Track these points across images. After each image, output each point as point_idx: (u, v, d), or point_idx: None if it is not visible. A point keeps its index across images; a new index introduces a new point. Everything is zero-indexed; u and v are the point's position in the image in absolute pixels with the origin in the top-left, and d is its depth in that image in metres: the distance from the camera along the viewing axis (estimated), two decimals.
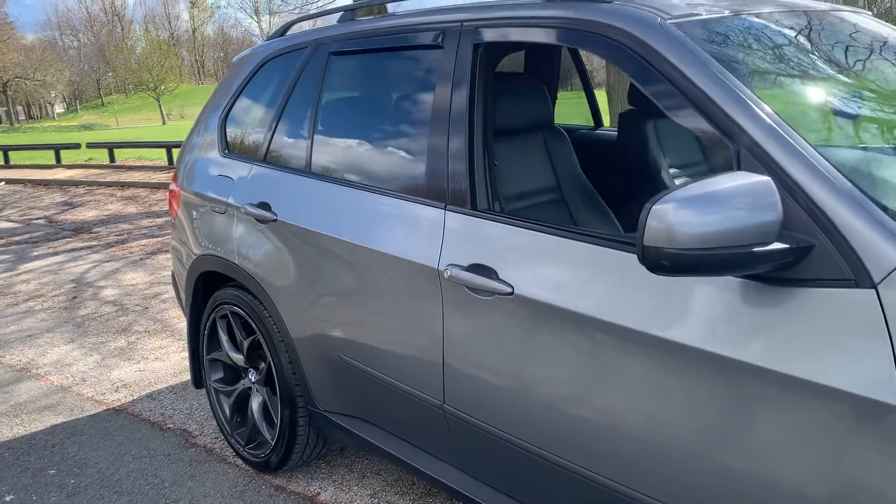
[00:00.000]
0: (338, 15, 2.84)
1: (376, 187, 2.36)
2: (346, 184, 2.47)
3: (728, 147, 1.57)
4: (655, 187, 2.82)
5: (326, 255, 2.46)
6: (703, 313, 1.51)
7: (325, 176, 2.56)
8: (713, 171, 3.10)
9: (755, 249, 1.35)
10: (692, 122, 1.62)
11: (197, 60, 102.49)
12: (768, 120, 1.51)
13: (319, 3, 13.72)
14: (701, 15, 1.86)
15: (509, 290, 1.86)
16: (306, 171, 2.64)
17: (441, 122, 2.16)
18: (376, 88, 2.53)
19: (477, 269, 1.95)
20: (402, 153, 2.33)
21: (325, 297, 2.49)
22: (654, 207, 1.36)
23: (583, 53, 3.54)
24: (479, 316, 1.96)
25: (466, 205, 2.05)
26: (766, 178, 1.39)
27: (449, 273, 2.01)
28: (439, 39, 2.23)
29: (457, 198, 2.08)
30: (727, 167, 2.94)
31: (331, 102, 2.66)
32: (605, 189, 2.69)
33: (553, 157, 2.59)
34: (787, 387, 1.37)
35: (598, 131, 3.46)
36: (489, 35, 2.10)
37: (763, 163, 1.49)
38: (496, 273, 1.91)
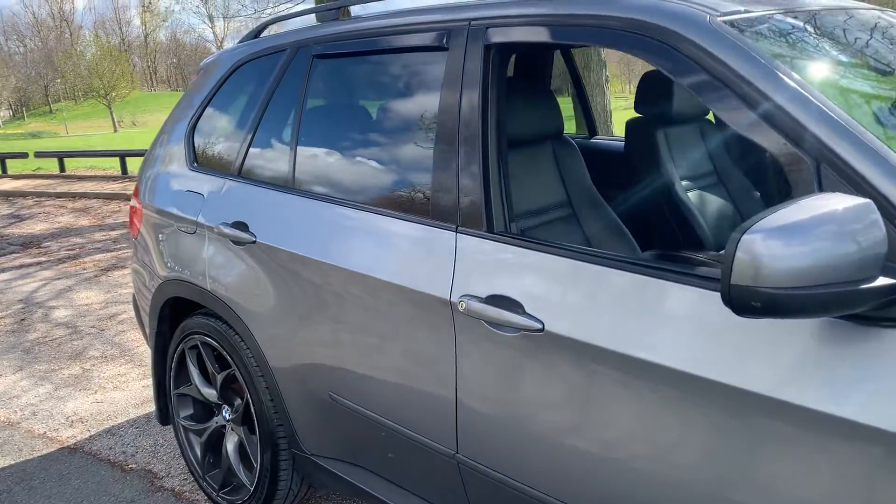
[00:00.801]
0: (319, 14, 2.57)
1: (373, 206, 2.10)
2: (336, 202, 2.20)
3: (801, 163, 1.35)
4: (670, 202, 2.62)
5: (314, 282, 2.19)
6: (792, 360, 1.28)
7: (312, 192, 2.29)
8: (727, 184, 2.94)
9: (862, 286, 1.13)
10: (761, 135, 1.41)
11: (149, 67, 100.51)
12: (854, 131, 1.30)
13: (279, 8, 13.34)
14: (753, 11, 1.64)
15: (538, 325, 1.62)
16: (289, 186, 2.37)
17: (448, 132, 1.91)
18: (369, 95, 2.27)
19: (498, 300, 1.71)
20: (402, 168, 2.07)
21: (313, 330, 2.22)
22: (743, 238, 1.14)
23: (575, 54, 3.33)
24: (500, 355, 1.71)
25: (481, 226, 1.81)
26: (866, 202, 1.17)
27: (465, 305, 1.76)
28: (443, 40, 1.98)
29: (470, 218, 1.83)
30: (766, 182, 2.75)
31: (316, 110, 2.39)
32: (613, 204, 2.47)
33: (562, 169, 2.36)
34: None
35: (595, 140, 3.25)
36: (502, 35, 1.86)
37: (850, 181, 1.27)
38: (522, 306, 1.66)
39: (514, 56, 3.06)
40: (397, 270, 1.96)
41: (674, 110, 2.64)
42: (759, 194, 2.81)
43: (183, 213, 2.70)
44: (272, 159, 2.47)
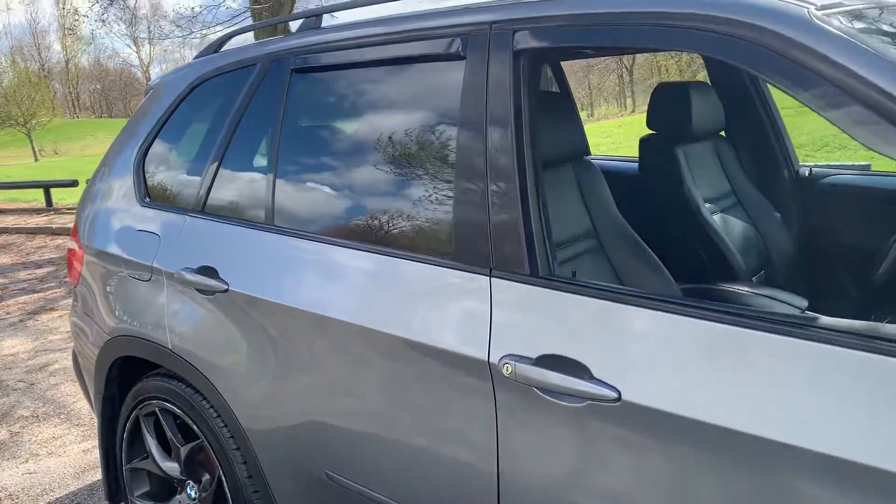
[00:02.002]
0: (296, 23, 2.21)
1: (377, 246, 1.75)
2: (329, 241, 1.84)
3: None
4: (696, 227, 2.35)
5: (304, 338, 1.82)
6: None
7: (298, 230, 1.93)
8: (745, 204, 2.70)
9: None
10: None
11: (71, 93, 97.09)
12: None
13: (214, 29, 12.83)
14: (854, 4, 1.38)
15: (613, 394, 1.30)
16: (267, 223, 2.00)
17: (473, 157, 1.59)
18: (363, 115, 1.92)
19: (554, 362, 1.38)
20: (413, 200, 1.73)
21: (304, 395, 1.85)
22: None
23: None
24: (561, 431, 1.38)
25: (522, 268, 1.48)
26: None
27: (511, 368, 1.43)
28: (459, 48, 1.66)
29: (507, 259, 1.51)
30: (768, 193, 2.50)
31: (298, 132, 2.03)
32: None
33: (586, 195, 2.06)
34: None
35: (597, 160, 2.97)
36: (536, 40, 1.55)
37: None
38: (587, 370, 1.34)
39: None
40: (415, 324, 1.61)
41: (693, 126, 2.39)
42: (779, 215, 2.58)
43: (134, 256, 2.29)
44: (245, 191, 2.09)
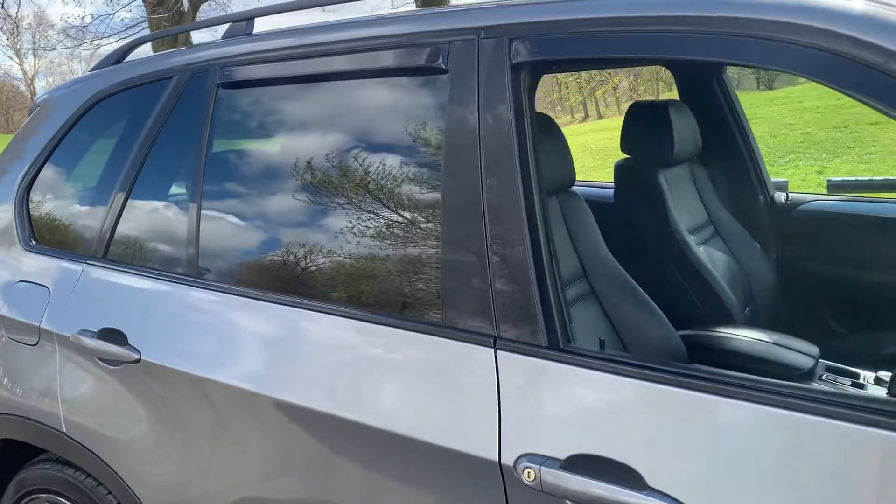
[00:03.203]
0: (213, 29, 1.83)
1: (338, 307, 1.39)
2: (273, 298, 1.47)
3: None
4: (684, 264, 2.10)
5: (243, 422, 1.44)
6: None
7: (229, 284, 1.54)
8: (724, 234, 2.49)
9: None
10: None
11: None
12: None
13: (106, 42, 11.97)
14: None
15: None
16: (190, 274, 1.60)
17: (465, 193, 1.27)
18: (315, 140, 1.56)
19: (593, 466, 1.07)
20: (387, 245, 1.39)
21: (245, 493, 1.46)
22: None
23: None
24: None
25: (538, 337, 1.17)
26: None
27: (533, 474, 1.10)
28: (439, 59, 1.34)
29: (517, 324, 1.19)
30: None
31: (228, 160, 1.64)
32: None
33: (573, 231, 1.76)
34: None
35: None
36: (542, 50, 1.25)
37: None
38: (641, 478, 1.03)
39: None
40: (394, 411, 1.26)
41: (675, 149, 2.14)
42: (758, 246, 2.37)
43: (16, 315, 1.84)
44: (161, 232, 1.68)
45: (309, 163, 1.51)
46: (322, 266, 1.45)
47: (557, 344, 1.16)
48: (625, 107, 2.62)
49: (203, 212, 1.61)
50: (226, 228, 1.60)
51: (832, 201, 2.44)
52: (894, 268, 2.25)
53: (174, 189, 1.70)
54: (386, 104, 1.47)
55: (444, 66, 1.34)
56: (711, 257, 2.17)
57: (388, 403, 1.28)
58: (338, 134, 1.51)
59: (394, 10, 1.50)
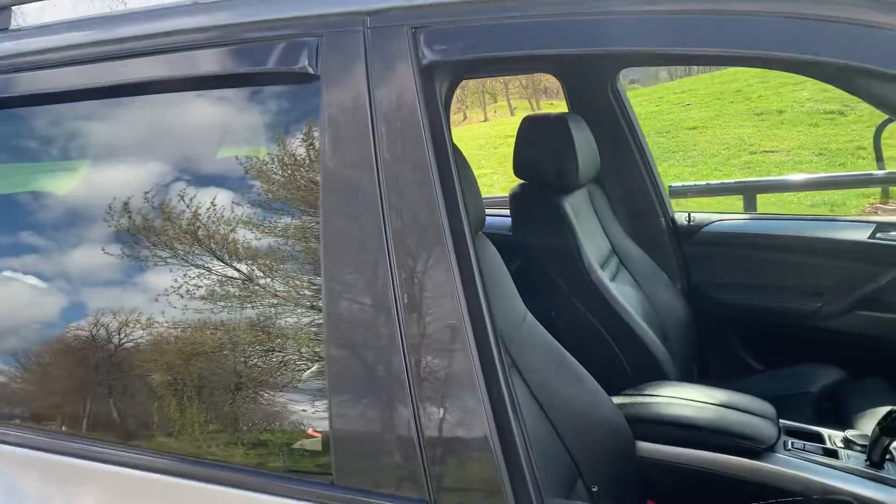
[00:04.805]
0: None
1: (160, 458, 0.90)
2: (64, 443, 0.94)
3: None
4: (602, 308, 1.75)
5: None
6: None
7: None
8: (628, 265, 2.18)
9: None
10: None
11: None
12: None
13: None
14: None
15: None
16: None
17: (354, 251, 0.83)
18: (120, 180, 1.04)
19: None
20: (232, 349, 0.91)
21: None
22: None
23: None
24: None
25: (504, 498, 0.75)
26: None
27: None
28: (303, 61, 0.89)
29: (463, 480, 0.76)
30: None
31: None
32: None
33: (488, 284, 1.35)
34: None
35: None
36: (468, 42, 0.83)
37: None
38: None
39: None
40: None
41: (579, 170, 1.80)
42: (665, 276, 2.09)
43: None
44: None
45: (106, 212, 1.00)
46: (130, 396, 0.95)
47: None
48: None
49: None
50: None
51: (736, 221, 2.22)
52: (807, 292, 2.05)
53: None
54: (228, 128, 0.99)
55: (311, 70, 0.89)
56: (625, 296, 1.85)
57: None
58: (152, 170, 1.01)
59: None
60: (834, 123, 8.93)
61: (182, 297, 0.98)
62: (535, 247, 1.82)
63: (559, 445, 1.32)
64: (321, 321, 0.87)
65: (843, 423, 1.71)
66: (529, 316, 1.39)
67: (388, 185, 0.84)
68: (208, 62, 0.96)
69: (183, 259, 1.00)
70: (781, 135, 9.05)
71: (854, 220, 2.19)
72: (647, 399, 1.50)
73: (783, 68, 1.02)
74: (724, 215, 2.22)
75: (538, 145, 1.81)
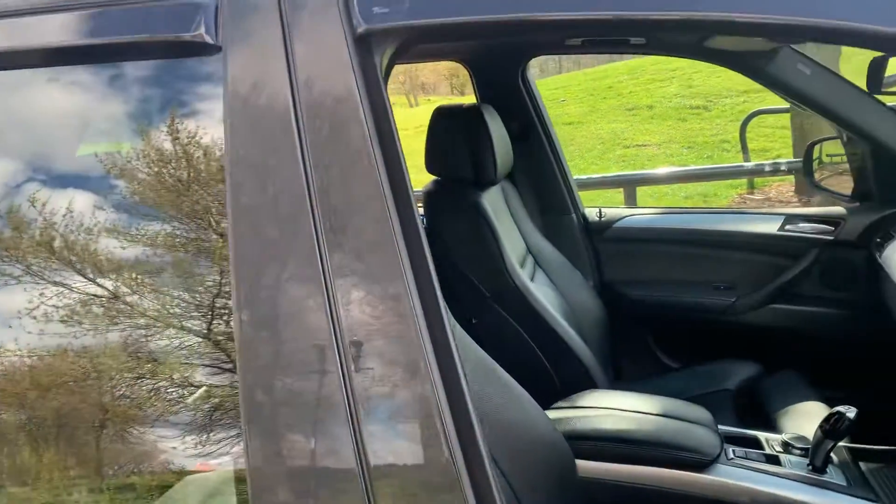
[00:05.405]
0: None
1: None
2: None
3: None
4: (523, 311, 1.62)
5: None
6: None
7: None
8: (544, 266, 2.06)
9: None
10: None
11: None
12: None
13: None
14: None
15: None
16: None
17: (272, 251, 0.65)
18: None
19: None
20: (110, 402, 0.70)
21: None
22: None
23: None
24: None
25: None
26: None
27: None
28: (198, 27, 0.69)
29: None
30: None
31: None
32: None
33: None
34: None
35: None
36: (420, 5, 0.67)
37: None
38: None
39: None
40: None
41: (496, 165, 1.66)
42: (580, 275, 2.00)
43: None
44: None
45: None
46: None
47: None
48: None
49: None
50: None
51: (648, 216, 2.16)
52: (720, 287, 2.02)
53: None
54: (95, 114, 0.78)
55: (210, 39, 0.69)
56: (547, 299, 1.73)
57: None
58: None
59: None
60: (700, 118, 9.36)
61: (40, 320, 0.77)
62: (453, 250, 1.66)
63: (494, 471, 1.18)
64: (230, 341, 0.69)
65: (764, 419, 1.68)
66: (458, 328, 1.24)
67: (318, 179, 0.66)
68: (67, 29, 0.74)
69: (40, 275, 0.78)
70: (652, 129, 9.38)
71: (764, 213, 2.19)
72: (583, 413, 1.38)
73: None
74: (635, 210, 2.16)
75: (453, 138, 1.66)
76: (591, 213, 2.14)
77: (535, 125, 2.01)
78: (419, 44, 0.74)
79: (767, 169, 5.41)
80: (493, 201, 1.72)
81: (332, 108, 0.67)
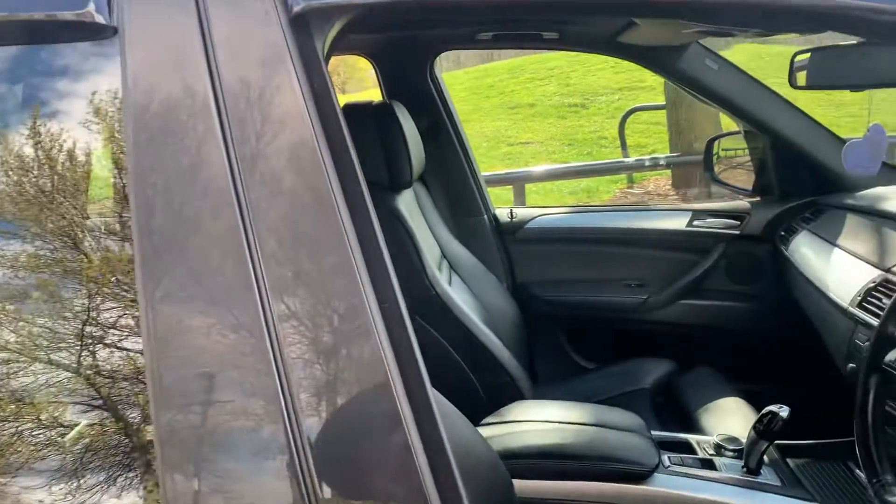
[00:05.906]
0: None
1: None
2: None
3: None
4: (444, 320, 1.52)
5: None
6: None
7: None
8: (459, 270, 1.95)
9: None
10: None
11: None
12: None
13: None
14: None
15: None
16: None
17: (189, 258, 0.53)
18: None
19: None
20: None
21: None
22: None
23: None
24: None
25: None
26: None
27: None
28: (89, 5, 0.55)
29: None
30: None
31: None
32: None
33: None
34: None
35: None
36: None
37: None
38: None
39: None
40: None
41: (412, 166, 1.55)
42: (494, 278, 1.93)
43: None
44: None
45: None
46: None
47: None
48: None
49: None
50: None
51: (558, 215, 2.12)
52: (631, 284, 2.01)
53: None
54: None
55: (103, 19, 0.55)
56: (467, 306, 1.65)
57: None
58: None
59: None
60: (578, 115, 9.58)
61: None
62: None
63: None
64: (138, 359, 0.56)
65: (684, 417, 1.67)
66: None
67: (251, 192, 0.54)
68: None
69: None
70: (534, 127, 9.53)
71: (671, 209, 2.19)
72: (514, 428, 1.31)
73: None
74: (545, 210, 2.11)
75: (365, 138, 1.54)
76: (502, 214, 2.07)
77: (444, 123, 1.92)
78: (365, 23, 0.63)
79: (647, 164, 5.60)
80: (409, 205, 1.62)
81: (265, 103, 0.55)
